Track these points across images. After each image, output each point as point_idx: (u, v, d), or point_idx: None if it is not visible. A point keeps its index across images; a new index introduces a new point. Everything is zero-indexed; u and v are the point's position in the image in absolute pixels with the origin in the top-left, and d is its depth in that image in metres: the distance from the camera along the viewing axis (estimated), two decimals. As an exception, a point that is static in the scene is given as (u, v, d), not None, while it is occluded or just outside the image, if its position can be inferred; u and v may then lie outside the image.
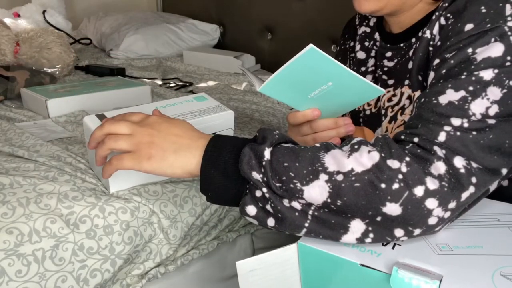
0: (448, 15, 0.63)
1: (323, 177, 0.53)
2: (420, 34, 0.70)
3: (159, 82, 1.57)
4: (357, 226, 0.53)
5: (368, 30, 0.83)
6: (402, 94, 0.72)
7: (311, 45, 0.57)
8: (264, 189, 0.55)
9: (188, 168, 0.60)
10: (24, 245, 0.67)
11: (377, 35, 0.81)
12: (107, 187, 0.79)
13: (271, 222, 0.56)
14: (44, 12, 1.95)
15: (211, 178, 0.58)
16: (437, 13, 0.65)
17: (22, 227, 0.68)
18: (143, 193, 0.79)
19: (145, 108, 0.84)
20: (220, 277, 0.93)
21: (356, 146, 0.55)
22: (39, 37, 1.49)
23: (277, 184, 0.54)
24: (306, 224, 0.54)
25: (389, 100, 0.75)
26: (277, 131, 0.59)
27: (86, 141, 0.81)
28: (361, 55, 0.83)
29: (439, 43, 0.64)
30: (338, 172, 0.53)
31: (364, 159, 0.53)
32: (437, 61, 0.61)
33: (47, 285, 0.68)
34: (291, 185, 0.53)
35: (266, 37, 1.86)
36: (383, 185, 0.51)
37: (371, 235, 0.53)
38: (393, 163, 0.52)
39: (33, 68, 1.40)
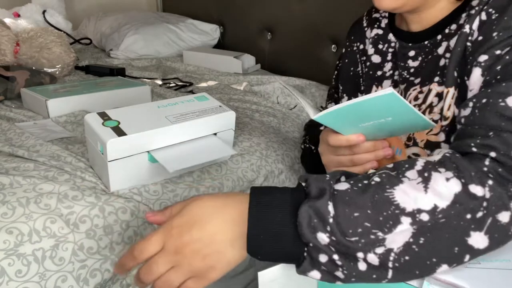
0: (490, 10, 0.62)
1: (406, 220, 0.48)
2: (447, 31, 0.69)
3: (159, 82, 1.57)
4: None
5: (380, 32, 0.81)
6: (429, 91, 0.70)
7: (391, 89, 0.54)
8: (335, 256, 0.49)
9: (243, 253, 0.53)
10: (24, 245, 0.67)
11: (391, 36, 0.79)
12: (107, 185, 0.79)
13: (339, 283, 0.51)
14: (44, 12, 1.95)
15: (261, 247, 0.52)
16: (477, 8, 0.64)
17: (22, 227, 0.68)
18: (143, 192, 0.79)
19: (144, 108, 0.84)
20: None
21: (426, 174, 0.50)
22: (39, 37, 1.49)
23: (352, 239, 0.48)
24: (386, 280, 0.50)
25: (416, 98, 0.73)
26: (327, 175, 0.53)
27: (87, 139, 0.81)
28: (376, 59, 0.81)
29: (480, 38, 0.62)
30: (419, 211, 0.48)
31: (444, 190, 0.48)
32: (484, 57, 0.59)
33: (47, 285, 0.68)
34: (372, 236, 0.48)
35: (266, 37, 1.85)
36: (468, 216, 0.47)
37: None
38: (476, 190, 0.48)
39: (33, 68, 1.40)
